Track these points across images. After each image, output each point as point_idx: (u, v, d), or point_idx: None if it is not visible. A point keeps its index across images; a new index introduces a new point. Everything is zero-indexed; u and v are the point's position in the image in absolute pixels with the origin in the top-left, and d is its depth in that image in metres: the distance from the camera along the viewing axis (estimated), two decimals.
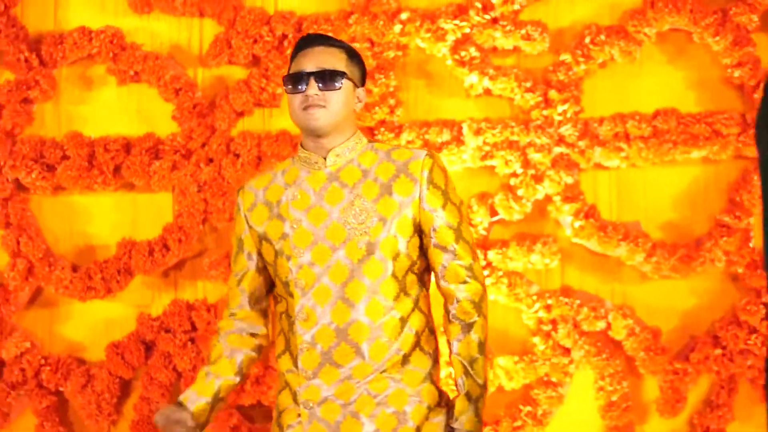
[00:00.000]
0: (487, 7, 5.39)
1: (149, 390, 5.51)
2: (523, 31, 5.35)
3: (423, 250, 3.41)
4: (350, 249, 3.31)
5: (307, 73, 3.36)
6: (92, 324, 5.68)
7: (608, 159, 5.31)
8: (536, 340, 5.33)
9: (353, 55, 3.46)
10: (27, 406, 5.72)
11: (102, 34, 5.64)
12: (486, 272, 5.31)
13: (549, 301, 5.31)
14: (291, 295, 3.37)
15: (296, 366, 3.36)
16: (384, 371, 3.32)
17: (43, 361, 5.67)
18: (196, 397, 3.40)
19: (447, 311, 3.39)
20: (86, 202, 5.72)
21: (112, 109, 5.73)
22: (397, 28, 5.45)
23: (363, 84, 3.50)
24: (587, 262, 5.38)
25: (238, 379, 3.47)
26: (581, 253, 5.37)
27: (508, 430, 5.32)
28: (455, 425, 3.33)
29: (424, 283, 3.45)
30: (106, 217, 5.65)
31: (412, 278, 3.38)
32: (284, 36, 5.52)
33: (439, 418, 3.36)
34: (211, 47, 5.57)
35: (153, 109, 5.65)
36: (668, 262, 5.24)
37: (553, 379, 5.31)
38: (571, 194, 5.31)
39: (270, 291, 3.53)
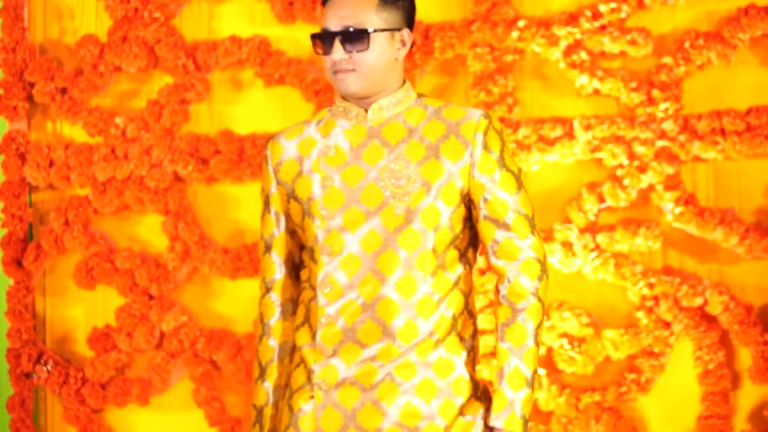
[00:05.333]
0: (596, 16, 5.41)
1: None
2: (628, 37, 5.37)
3: (469, 223, 2.90)
4: (386, 215, 2.80)
5: (331, 33, 2.85)
6: (242, 300, 5.79)
7: (706, 151, 5.32)
8: (640, 314, 5.37)
9: None
10: (184, 373, 5.90)
11: (251, 42, 5.77)
12: (595, 254, 5.33)
13: (652, 280, 5.34)
14: (315, 261, 2.86)
15: (314, 341, 2.87)
16: (412, 355, 2.80)
17: (198, 333, 5.83)
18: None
19: (497, 291, 2.86)
20: (236, 191, 5.87)
21: (259, 109, 5.86)
22: (515, 34, 5.49)
23: (410, 24, 2.95)
24: (686, 245, 5.39)
25: None
26: (681, 236, 5.38)
27: (615, 396, 5.38)
28: (494, 423, 2.80)
29: (467, 261, 2.92)
30: (254, 204, 5.52)
31: (453, 254, 2.87)
32: (413, 43, 5.73)
33: (471, 417, 2.84)
34: None
35: (295, 109, 5.76)
36: (760, 244, 5.25)
37: (655, 350, 5.36)
38: (672, 183, 5.35)
39: None
